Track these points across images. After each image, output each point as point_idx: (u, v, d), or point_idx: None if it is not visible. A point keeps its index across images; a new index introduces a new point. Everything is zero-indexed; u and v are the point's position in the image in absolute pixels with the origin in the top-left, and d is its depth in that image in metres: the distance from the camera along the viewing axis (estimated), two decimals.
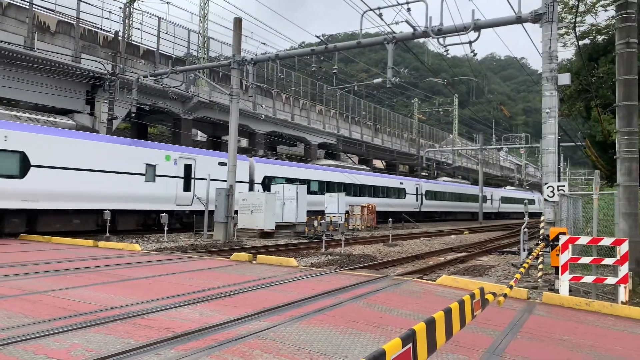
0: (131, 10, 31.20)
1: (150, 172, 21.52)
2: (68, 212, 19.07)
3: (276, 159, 32.62)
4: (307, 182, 30.52)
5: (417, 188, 44.83)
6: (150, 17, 30.72)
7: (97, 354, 4.75)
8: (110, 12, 28.08)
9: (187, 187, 23.02)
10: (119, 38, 27.01)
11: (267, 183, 27.77)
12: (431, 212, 47.55)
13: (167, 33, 30.67)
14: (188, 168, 23.19)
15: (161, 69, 25.84)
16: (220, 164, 24.26)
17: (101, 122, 26.55)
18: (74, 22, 25.41)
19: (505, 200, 63.65)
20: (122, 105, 25.80)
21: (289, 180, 28.08)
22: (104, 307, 6.79)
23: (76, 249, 14.53)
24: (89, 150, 19.39)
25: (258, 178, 27.52)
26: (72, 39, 25.20)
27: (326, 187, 32.70)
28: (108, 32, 27.17)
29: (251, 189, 26.69)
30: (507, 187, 72.30)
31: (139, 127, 35.52)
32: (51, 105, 24.93)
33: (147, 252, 14.47)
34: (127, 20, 30.71)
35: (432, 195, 47.10)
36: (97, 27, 26.75)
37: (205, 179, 21.88)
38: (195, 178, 23.34)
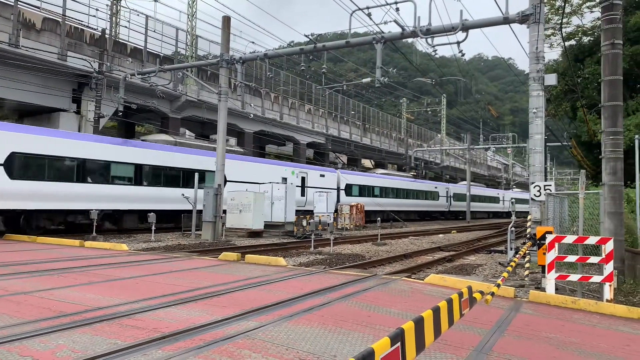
0: (118, 7, 30.91)
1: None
2: None
3: (352, 169, 43.62)
4: (373, 187, 39.39)
5: (447, 191, 52.49)
6: (138, 15, 30.51)
7: (84, 354, 4.69)
8: (97, 9, 27.70)
9: (302, 193, 30.98)
10: (106, 36, 26.75)
11: (347, 189, 36.18)
12: (457, 212, 54.57)
13: (154, 31, 30.47)
14: (303, 179, 31.28)
15: (149, 68, 25.65)
16: (320, 175, 33.20)
17: (88, 121, 26.27)
18: (60, 20, 25.12)
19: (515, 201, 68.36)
20: (109, 103, 25.55)
21: (362, 187, 37.91)
22: (90, 307, 6.72)
23: (62, 249, 14.37)
24: (253, 169, 27.68)
25: (342, 185, 35.70)
26: (58, 37, 24.91)
27: (385, 191, 41.04)
28: (95, 29, 26.91)
29: (338, 194, 34.99)
30: (516, 190, 77.84)
31: (126, 126, 35.20)
32: (37, 103, 24.62)
33: (134, 252, 14.35)
34: (114, 18, 30.41)
35: (458, 197, 54.01)
36: (84, 25, 26.49)
37: (314, 187, 30.90)
38: (307, 186, 31.43)
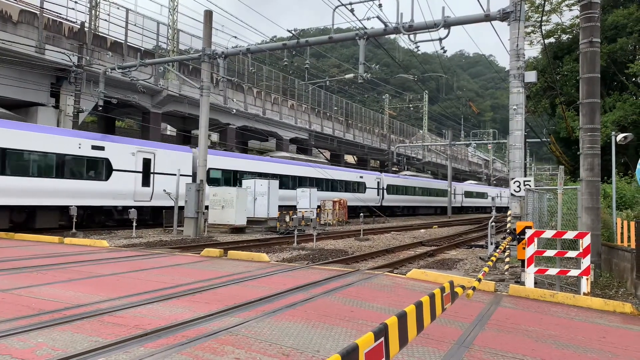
0: (98, 0, 30.36)
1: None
2: None
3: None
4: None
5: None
6: (118, 8, 30.00)
7: (64, 352, 4.64)
8: (75, 2, 27.09)
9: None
10: (85, 29, 26.26)
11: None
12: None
13: (135, 25, 29.98)
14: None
15: (129, 62, 25.29)
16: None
17: (67, 116, 25.82)
18: (38, 12, 24.58)
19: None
20: (88, 98, 25.11)
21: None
22: (70, 304, 6.63)
23: (41, 246, 14.13)
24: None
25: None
26: (36, 29, 24.37)
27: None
28: (74, 22, 26.37)
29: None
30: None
31: (106, 120, 34.69)
32: (14, 97, 24.09)
33: (115, 249, 14.19)
34: (93, 11, 29.86)
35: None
36: (62, 18, 25.94)
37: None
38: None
